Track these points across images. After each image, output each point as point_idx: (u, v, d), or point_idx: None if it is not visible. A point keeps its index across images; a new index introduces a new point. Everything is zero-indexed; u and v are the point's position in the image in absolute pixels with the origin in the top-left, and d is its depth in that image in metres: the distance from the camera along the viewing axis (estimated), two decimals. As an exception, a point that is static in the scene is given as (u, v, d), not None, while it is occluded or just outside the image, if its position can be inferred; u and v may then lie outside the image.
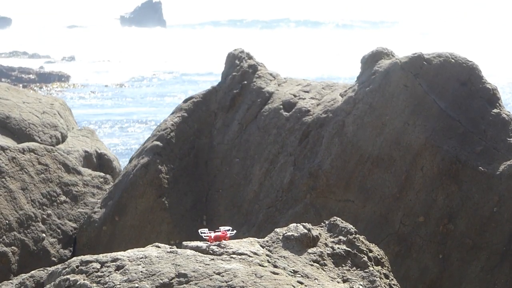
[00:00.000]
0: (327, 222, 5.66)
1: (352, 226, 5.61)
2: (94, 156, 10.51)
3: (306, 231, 5.34)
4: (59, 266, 5.22)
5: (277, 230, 5.43)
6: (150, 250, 5.04)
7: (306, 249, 5.28)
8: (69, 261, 5.15)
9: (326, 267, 5.23)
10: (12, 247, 8.10)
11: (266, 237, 5.40)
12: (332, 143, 7.86)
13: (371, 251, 5.51)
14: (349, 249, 5.40)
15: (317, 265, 5.20)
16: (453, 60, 7.85)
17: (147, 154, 8.60)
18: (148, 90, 45.07)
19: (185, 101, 9.08)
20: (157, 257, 4.90)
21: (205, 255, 4.95)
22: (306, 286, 4.82)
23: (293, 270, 5.02)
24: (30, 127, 10.06)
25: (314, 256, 5.25)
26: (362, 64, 8.30)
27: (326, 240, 5.44)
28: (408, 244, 7.44)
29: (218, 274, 4.72)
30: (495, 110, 7.70)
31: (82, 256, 5.14)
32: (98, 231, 8.49)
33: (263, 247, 5.23)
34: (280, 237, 5.33)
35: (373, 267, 5.37)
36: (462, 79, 7.81)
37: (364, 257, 5.39)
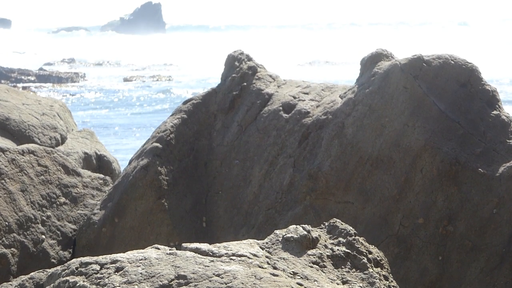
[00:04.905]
0: (326, 224, 5.66)
1: (351, 228, 5.61)
2: (94, 158, 10.51)
3: (305, 232, 5.34)
4: (58, 267, 5.22)
5: (277, 231, 5.43)
6: (150, 252, 5.04)
7: (306, 250, 5.28)
8: (68, 262, 5.15)
9: (325, 268, 5.23)
10: (12, 249, 8.10)
11: (266, 238, 5.40)
12: (332, 145, 7.86)
13: (370, 252, 5.51)
14: (348, 250, 5.40)
15: (317, 266, 5.21)
16: (452, 62, 7.85)
17: (146, 155, 8.59)
18: (147, 93, 45.06)
19: (185, 102, 9.08)
20: (157, 259, 4.90)
21: (204, 257, 4.95)
22: (305, 287, 4.81)
23: (292, 271, 5.02)
24: (30, 129, 10.06)
25: (314, 257, 5.25)
26: (361, 66, 8.30)
27: (325, 241, 5.44)
28: (407, 246, 7.45)
29: (218, 275, 4.72)
30: (494, 112, 7.70)
31: (81, 257, 5.15)
32: (98, 233, 8.49)
33: (262, 248, 5.23)
34: (280, 239, 5.33)
35: (372, 269, 5.37)
36: (462, 80, 7.81)
37: (363, 258, 5.39)
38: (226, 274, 4.72)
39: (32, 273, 6.07)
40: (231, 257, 4.97)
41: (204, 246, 5.10)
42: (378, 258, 5.53)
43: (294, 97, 8.53)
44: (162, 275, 4.74)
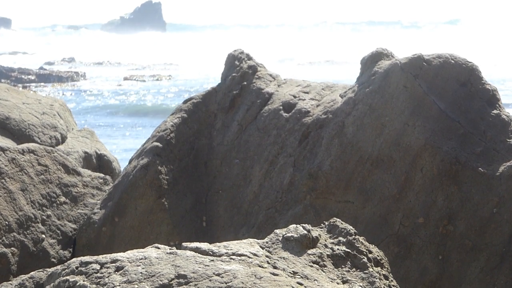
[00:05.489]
0: (326, 223, 5.65)
1: (351, 227, 5.61)
2: (94, 157, 10.52)
3: (305, 232, 5.34)
4: (58, 267, 5.22)
5: (277, 231, 5.43)
6: (150, 251, 5.04)
7: (306, 250, 5.28)
8: (68, 262, 5.15)
9: (325, 268, 5.23)
10: (12, 248, 8.10)
11: (266, 238, 5.39)
12: (332, 144, 7.86)
13: (370, 252, 5.51)
14: (348, 250, 5.40)
15: (317, 266, 5.20)
16: (452, 61, 7.85)
17: (146, 155, 8.59)
18: (147, 92, 45.05)
19: (185, 102, 9.08)
20: (157, 258, 4.90)
21: (204, 256, 4.95)
22: (305, 287, 4.81)
23: (292, 271, 5.02)
24: (30, 128, 10.06)
25: (314, 257, 5.25)
26: (361, 65, 8.30)
27: (325, 241, 5.44)
28: (407, 245, 7.44)
29: (218, 275, 4.71)
30: (494, 111, 7.70)
31: (81, 257, 5.14)
32: (98, 232, 8.49)
33: (262, 248, 5.23)
34: (280, 238, 5.33)
35: (372, 268, 5.37)
36: (462, 80, 7.81)
37: (363, 258, 5.39)
38: (226, 273, 4.72)
39: (32, 273, 6.07)
40: (231, 256, 4.97)
41: (204, 246, 5.10)
42: (378, 258, 5.53)
43: (294, 96, 8.53)
44: (162, 275, 4.74)
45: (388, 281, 5.44)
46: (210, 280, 4.66)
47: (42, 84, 45.87)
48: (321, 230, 5.55)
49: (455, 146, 7.50)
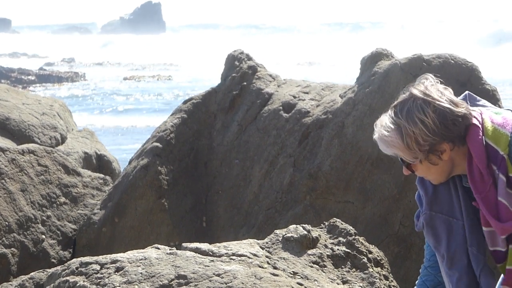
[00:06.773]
0: (326, 224, 5.65)
1: (351, 228, 5.60)
2: (94, 158, 10.52)
3: (305, 232, 5.34)
4: (58, 267, 5.22)
5: (277, 231, 5.43)
6: (150, 252, 5.04)
7: (306, 250, 5.28)
8: (68, 262, 5.15)
9: (325, 268, 5.23)
10: (12, 249, 8.10)
11: (266, 238, 5.39)
12: (332, 144, 7.86)
13: (370, 252, 5.51)
14: (348, 250, 5.39)
15: (317, 266, 5.20)
16: (452, 61, 7.85)
17: (146, 155, 8.59)
18: (146, 93, 45.06)
19: (185, 102, 9.08)
20: (157, 259, 4.90)
21: (204, 257, 4.95)
22: (305, 287, 4.81)
23: (292, 271, 5.01)
24: (30, 129, 10.07)
25: (314, 257, 5.25)
26: (361, 65, 8.30)
27: (325, 241, 5.44)
28: (407, 245, 7.44)
29: (218, 275, 4.71)
30: (494, 111, 7.69)
31: (81, 257, 5.14)
32: (98, 233, 8.49)
33: (262, 248, 5.23)
34: (280, 239, 5.32)
35: (372, 269, 5.37)
36: (462, 80, 7.81)
37: (363, 258, 5.39)
38: (226, 274, 4.72)
39: (32, 273, 6.07)
40: (231, 257, 4.97)
41: (204, 246, 5.09)
42: (378, 258, 5.53)
43: (294, 97, 8.53)
44: (162, 275, 4.74)
45: (388, 281, 5.44)
46: (210, 281, 4.66)
47: (42, 84, 45.88)
48: (321, 231, 5.55)
49: (455, 146, 7.49)
